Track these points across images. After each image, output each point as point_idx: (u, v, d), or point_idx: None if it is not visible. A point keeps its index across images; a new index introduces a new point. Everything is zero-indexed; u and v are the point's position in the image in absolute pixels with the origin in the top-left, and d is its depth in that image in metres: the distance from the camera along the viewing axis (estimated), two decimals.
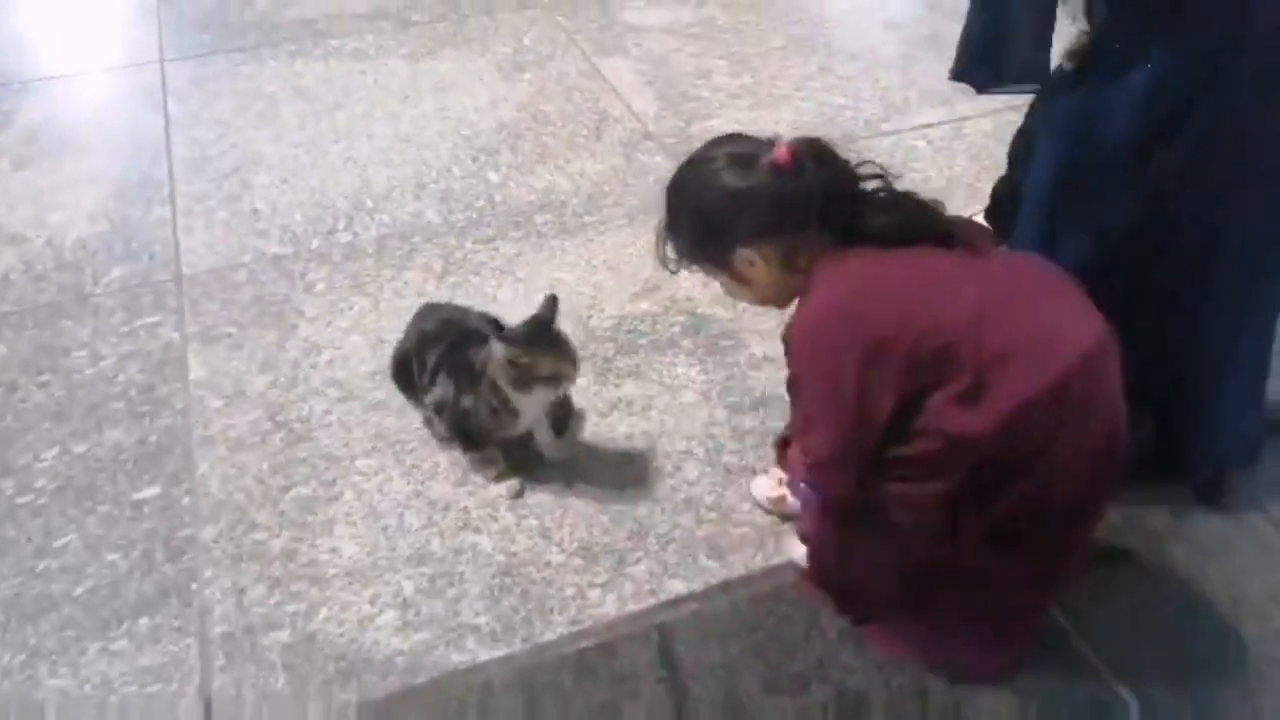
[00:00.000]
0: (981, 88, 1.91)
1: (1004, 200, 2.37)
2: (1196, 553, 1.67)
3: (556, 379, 1.70)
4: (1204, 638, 1.56)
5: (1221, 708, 1.47)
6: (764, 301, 1.41)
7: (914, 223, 1.27)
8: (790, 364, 1.34)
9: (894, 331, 1.20)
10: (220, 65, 3.14)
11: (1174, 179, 1.47)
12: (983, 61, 1.79)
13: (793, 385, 1.37)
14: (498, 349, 1.68)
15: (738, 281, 1.37)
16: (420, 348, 1.82)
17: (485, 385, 1.71)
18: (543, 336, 1.70)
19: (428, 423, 1.89)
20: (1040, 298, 1.27)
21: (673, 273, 1.47)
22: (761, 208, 1.26)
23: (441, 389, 1.78)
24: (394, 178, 2.63)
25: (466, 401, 1.74)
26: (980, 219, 2.42)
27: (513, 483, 1.80)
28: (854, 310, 1.24)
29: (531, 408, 1.74)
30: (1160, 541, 1.69)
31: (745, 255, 1.31)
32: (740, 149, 1.32)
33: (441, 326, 1.83)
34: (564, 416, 1.90)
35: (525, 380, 1.68)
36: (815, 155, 1.27)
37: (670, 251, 1.43)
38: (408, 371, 1.86)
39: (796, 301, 1.34)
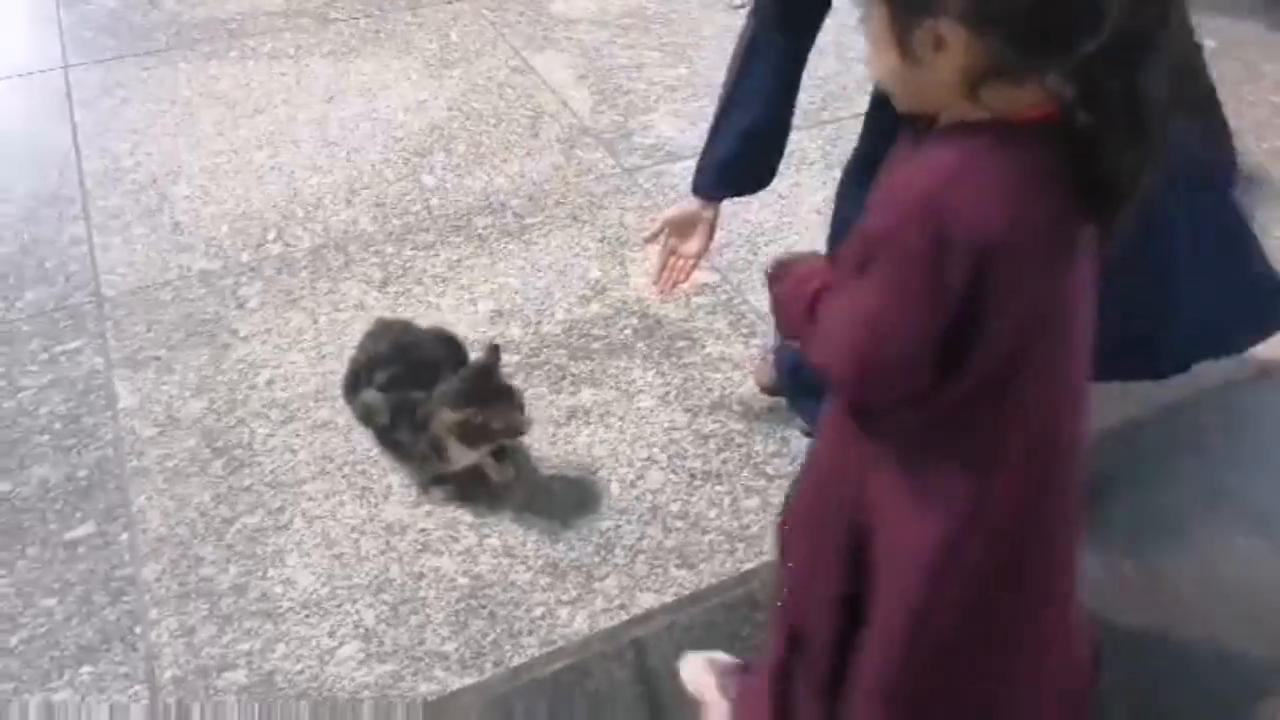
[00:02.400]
0: None
1: None
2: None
3: (510, 430, 1.67)
4: None
5: None
6: (897, 89, 0.91)
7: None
8: (879, 216, 0.91)
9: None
10: (129, 70, 2.99)
11: None
12: None
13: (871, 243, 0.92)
14: (445, 415, 1.63)
15: (900, 48, 0.87)
16: (369, 366, 1.75)
17: (426, 439, 1.67)
18: (490, 389, 1.66)
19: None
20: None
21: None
22: None
23: (377, 405, 1.72)
24: (324, 184, 2.53)
25: (402, 436, 1.70)
26: None
27: (438, 490, 1.77)
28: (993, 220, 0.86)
29: (474, 457, 1.70)
30: None
31: (948, 30, 0.82)
32: None
33: (393, 351, 1.76)
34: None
35: (477, 437, 1.65)
36: None
37: None
38: (357, 387, 1.78)
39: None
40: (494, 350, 1.68)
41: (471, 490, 1.77)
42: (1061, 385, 0.99)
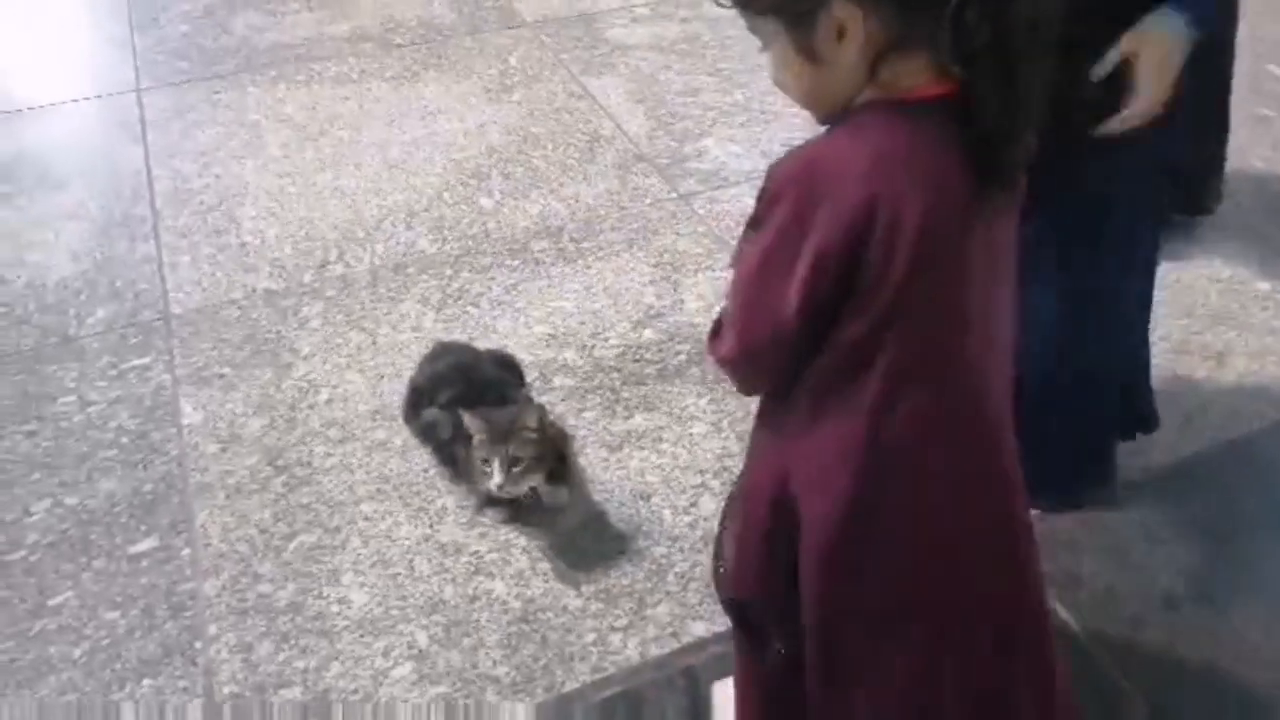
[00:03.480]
0: None
1: None
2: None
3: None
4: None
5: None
6: (810, 99, 0.96)
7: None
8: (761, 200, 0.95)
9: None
10: (199, 93, 3.07)
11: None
12: None
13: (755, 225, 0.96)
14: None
15: (805, 55, 0.92)
16: (432, 387, 1.78)
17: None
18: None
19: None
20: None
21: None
22: None
23: (439, 420, 1.75)
24: (384, 206, 2.58)
25: (461, 453, 1.72)
26: None
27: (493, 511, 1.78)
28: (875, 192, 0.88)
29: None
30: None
31: (844, 14, 0.87)
32: None
33: (454, 371, 1.79)
34: (559, 467, 1.83)
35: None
36: None
37: None
38: (419, 407, 1.82)
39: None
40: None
41: (524, 514, 1.78)
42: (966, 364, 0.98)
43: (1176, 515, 1.76)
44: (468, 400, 1.72)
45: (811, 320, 0.92)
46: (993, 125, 0.87)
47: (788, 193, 0.90)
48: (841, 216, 0.87)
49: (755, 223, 0.95)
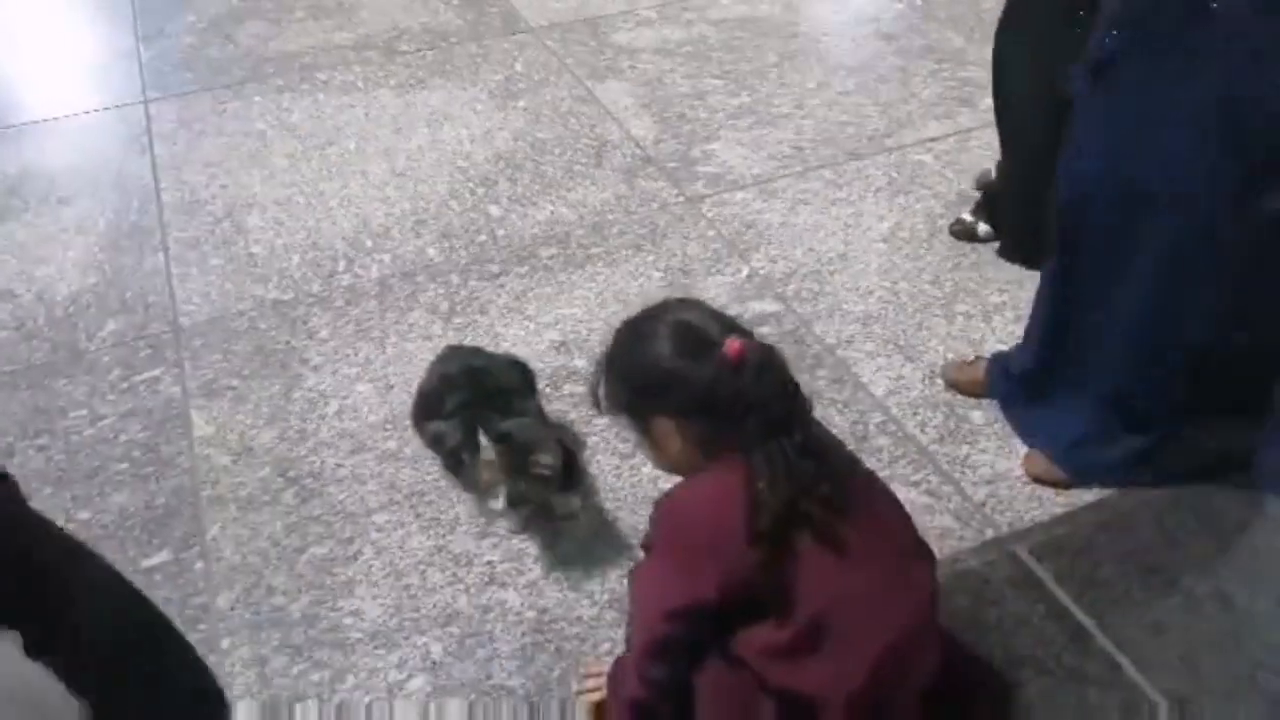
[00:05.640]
0: None
1: (1000, 197, 2.33)
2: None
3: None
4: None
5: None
6: (673, 470, 1.34)
7: (807, 481, 1.18)
8: (651, 534, 1.30)
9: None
10: (206, 104, 3.08)
11: None
12: None
13: (646, 550, 1.34)
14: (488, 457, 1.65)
15: (651, 443, 1.31)
16: (441, 391, 1.76)
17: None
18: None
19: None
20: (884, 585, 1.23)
21: (601, 414, 1.37)
22: (692, 392, 1.20)
23: (448, 431, 1.73)
24: (392, 215, 2.58)
25: (466, 457, 1.70)
26: (968, 217, 2.41)
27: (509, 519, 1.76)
28: (721, 528, 1.19)
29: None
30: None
31: (664, 426, 1.25)
32: (696, 325, 1.24)
33: (463, 375, 1.77)
34: (570, 473, 1.81)
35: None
36: (762, 365, 1.18)
37: (603, 394, 1.34)
38: (428, 413, 1.80)
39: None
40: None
41: (537, 522, 1.77)
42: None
43: (1194, 516, 1.74)
44: (475, 405, 1.71)
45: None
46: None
47: (672, 532, 1.25)
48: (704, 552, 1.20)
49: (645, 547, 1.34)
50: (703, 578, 1.18)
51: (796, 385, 1.22)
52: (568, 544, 1.75)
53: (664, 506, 1.27)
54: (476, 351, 1.92)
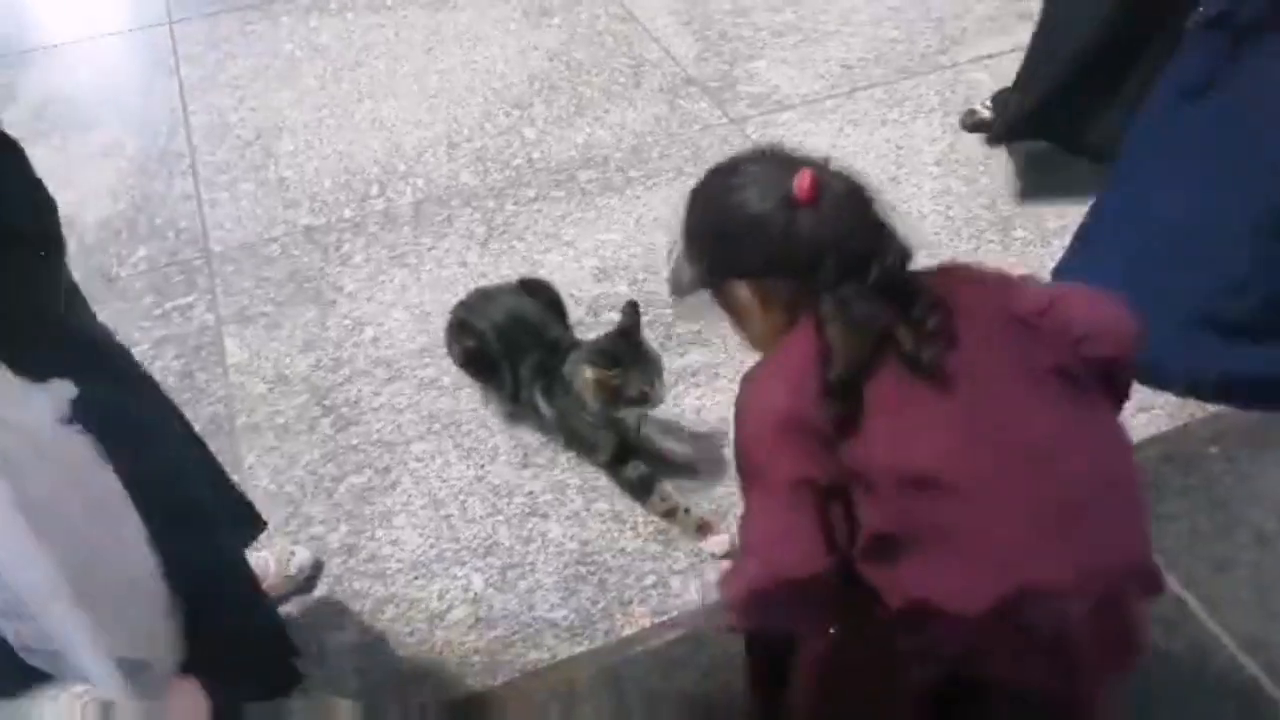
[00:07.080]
0: None
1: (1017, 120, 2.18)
2: None
3: (644, 399, 1.61)
4: None
5: None
6: (762, 347, 1.13)
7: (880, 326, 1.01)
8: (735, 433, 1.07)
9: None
10: (232, 24, 2.99)
11: None
12: None
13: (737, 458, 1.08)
14: (585, 372, 1.60)
15: (735, 318, 1.13)
16: (508, 351, 1.74)
17: (574, 400, 1.64)
18: (630, 352, 1.61)
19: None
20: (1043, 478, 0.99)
21: (681, 296, 1.18)
22: (769, 239, 1.03)
23: (544, 406, 1.72)
24: (425, 138, 2.50)
25: (570, 420, 1.69)
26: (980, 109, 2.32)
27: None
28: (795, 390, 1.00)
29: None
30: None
31: (743, 293, 1.08)
32: (772, 168, 1.06)
33: (514, 325, 1.75)
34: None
35: (614, 398, 1.60)
36: (839, 198, 1.03)
37: (684, 272, 1.15)
38: (483, 365, 1.78)
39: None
40: (633, 310, 1.63)
41: (577, 453, 1.72)
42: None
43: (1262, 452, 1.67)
44: (545, 367, 1.71)
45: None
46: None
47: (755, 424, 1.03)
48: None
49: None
50: (803, 455, 0.98)
51: (881, 224, 1.05)
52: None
53: (740, 393, 1.07)
54: (514, 294, 1.84)
